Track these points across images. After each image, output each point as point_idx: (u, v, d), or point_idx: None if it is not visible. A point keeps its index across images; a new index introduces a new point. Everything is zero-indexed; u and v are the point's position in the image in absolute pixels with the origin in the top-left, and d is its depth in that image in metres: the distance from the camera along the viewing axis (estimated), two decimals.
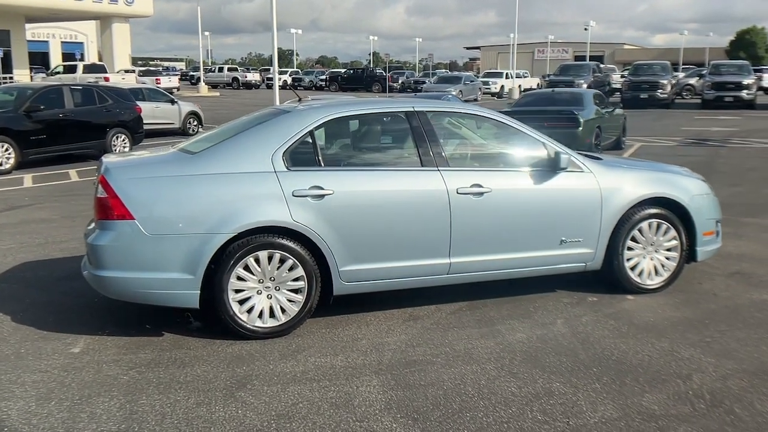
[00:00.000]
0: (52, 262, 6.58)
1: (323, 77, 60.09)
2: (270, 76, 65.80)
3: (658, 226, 5.28)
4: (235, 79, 59.05)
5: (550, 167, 5.00)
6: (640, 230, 5.22)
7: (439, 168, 4.79)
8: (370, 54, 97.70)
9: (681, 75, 38.87)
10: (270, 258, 4.46)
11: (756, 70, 30.76)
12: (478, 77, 41.45)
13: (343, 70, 65.42)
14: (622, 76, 35.19)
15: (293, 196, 4.46)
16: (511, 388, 3.75)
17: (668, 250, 5.34)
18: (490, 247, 4.90)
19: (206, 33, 43.78)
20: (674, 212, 5.30)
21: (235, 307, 4.45)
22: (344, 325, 4.76)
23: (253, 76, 61.09)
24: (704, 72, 31.07)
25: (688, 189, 5.41)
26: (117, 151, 14.63)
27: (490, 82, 40.30)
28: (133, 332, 4.69)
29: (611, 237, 5.16)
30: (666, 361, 4.09)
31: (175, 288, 4.37)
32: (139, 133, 15.83)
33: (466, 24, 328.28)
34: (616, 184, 5.16)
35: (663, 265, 5.35)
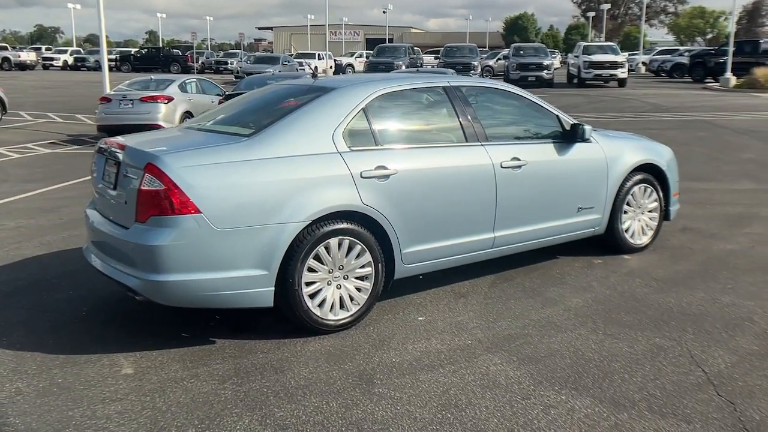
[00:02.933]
0: None
1: (113, 57, 55.41)
2: (47, 56, 59.41)
3: (645, 190, 5.79)
4: (5, 59, 52.24)
5: (571, 138, 5.23)
6: (632, 195, 5.69)
7: (482, 143, 4.80)
8: (158, 32, 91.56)
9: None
10: (339, 245, 4.17)
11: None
12: (292, 57, 40.93)
13: (134, 50, 60.81)
14: (436, 57, 37.13)
15: (361, 177, 4.20)
16: (624, 348, 3.94)
17: (650, 211, 5.88)
18: (526, 218, 5.02)
19: None
20: (655, 176, 5.85)
21: (308, 302, 4.09)
22: (400, 310, 4.60)
23: (28, 56, 54.56)
24: (507, 53, 33.87)
25: (663, 155, 5.99)
26: None
27: (304, 63, 40.01)
28: (174, 343, 4.12)
29: (614, 202, 5.56)
30: (718, 308, 4.55)
31: (248, 287, 3.91)
32: None
33: (248, 4, 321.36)
34: (617, 153, 5.56)
35: (647, 225, 5.89)
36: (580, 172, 5.31)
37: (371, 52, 40.50)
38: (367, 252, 4.26)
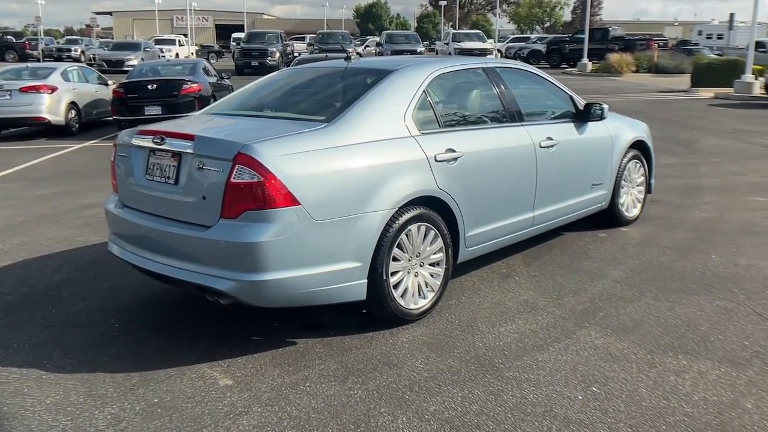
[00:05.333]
0: None
1: None
2: None
3: (636, 165, 6.15)
4: None
5: (585, 118, 5.41)
6: (628, 170, 6.02)
7: (521, 123, 4.86)
8: None
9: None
10: (417, 231, 4.05)
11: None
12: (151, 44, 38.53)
13: None
14: (310, 44, 36.65)
15: (435, 161, 4.10)
16: (696, 312, 4.18)
17: (639, 185, 6.27)
18: (556, 196, 5.15)
19: None
20: (641, 152, 6.23)
21: (393, 292, 3.95)
22: (459, 294, 4.55)
23: None
24: (379, 41, 34.20)
25: (646, 131, 6.39)
26: None
27: (164, 50, 37.95)
28: (252, 348, 3.81)
29: (615, 178, 5.85)
30: (743, 269, 4.95)
31: (344, 280, 3.69)
32: None
33: None
34: (617, 131, 5.84)
35: (637, 199, 6.27)
36: (594, 150, 5.54)
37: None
38: (439, 237, 4.18)
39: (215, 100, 14.30)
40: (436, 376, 3.43)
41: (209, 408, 3.18)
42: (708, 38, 43.62)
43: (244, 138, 3.55)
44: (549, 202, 5.08)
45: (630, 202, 6.17)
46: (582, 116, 5.45)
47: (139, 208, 4.02)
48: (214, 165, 3.53)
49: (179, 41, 41.24)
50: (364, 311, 4.12)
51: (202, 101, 13.56)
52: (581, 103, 5.50)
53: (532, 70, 5.45)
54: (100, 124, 15.22)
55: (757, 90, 19.34)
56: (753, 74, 20.01)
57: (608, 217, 6.01)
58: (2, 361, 3.71)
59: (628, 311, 4.22)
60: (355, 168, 3.73)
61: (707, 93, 20.11)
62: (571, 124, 5.36)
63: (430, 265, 4.18)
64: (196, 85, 13.64)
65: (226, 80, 16.20)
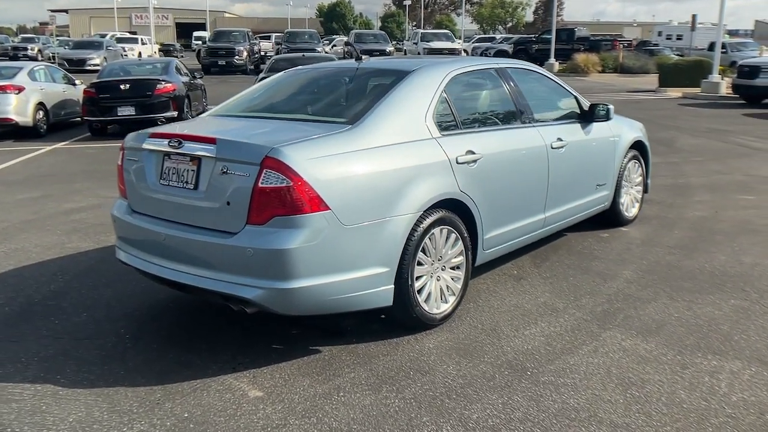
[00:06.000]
0: None
1: None
2: None
3: (634, 165, 6.19)
4: None
5: (590, 118, 5.41)
6: (628, 170, 6.06)
7: (533, 124, 4.84)
8: None
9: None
10: (440, 235, 3.99)
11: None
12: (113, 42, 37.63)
13: None
14: (278, 43, 36.27)
15: (457, 163, 4.04)
16: (714, 312, 4.20)
17: (637, 185, 6.32)
18: (565, 198, 5.15)
19: None
20: (639, 152, 6.28)
21: (418, 297, 3.88)
22: (476, 297, 4.50)
23: None
24: (348, 40, 34.04)
25: (643, 131, 6.44)
26: None
27: (126, 48, 37.14)
28: (276, 357, 3.71)
29: (617, 178, 5.88)
30: (749, 268, 5.01)
31: (372, 286, 3.61)
32: None
33: None
34: (619, 131, 5.87)
35: (635, 199, 6.32)
36: (599, 151, 5.56)
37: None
38: (460, 240, 4.13)
39: (189, 100, 14.07)
40: (471, 383, 3.38)
41: (244, 422, 3.07)
42: (668, 39, 44.55)
43: (270, 141, 3.43)
44: (559, 203, 5.07)
45: (629, 202, 6.22)
46: (587, 117, 5.46)
47: (153, 215, 3.87)
48: (240, 169, 3.40)
49: (142, 40, 40.40)
50: (383, 316, 4.05)
51: (176, 101, 13.31)
52: (586, 103, 5.51)
53: (539, 71, 5.44)
54: (68, 125, 14.78)
55: (724, 90, 19.81)
56: (719, 74, 20.48)
57: (609, 217, 6.04)
58: (12, 377, 3.53)
59: (647, 312, 4.23)
60: (382, 171, 3.65)
61: (675, 93, 20.52)
62: (578, 125, 5.36)
63: (451, 268, 4.12)
64: (170, 84, 13.35)
65: (198, 80, 15.92)
